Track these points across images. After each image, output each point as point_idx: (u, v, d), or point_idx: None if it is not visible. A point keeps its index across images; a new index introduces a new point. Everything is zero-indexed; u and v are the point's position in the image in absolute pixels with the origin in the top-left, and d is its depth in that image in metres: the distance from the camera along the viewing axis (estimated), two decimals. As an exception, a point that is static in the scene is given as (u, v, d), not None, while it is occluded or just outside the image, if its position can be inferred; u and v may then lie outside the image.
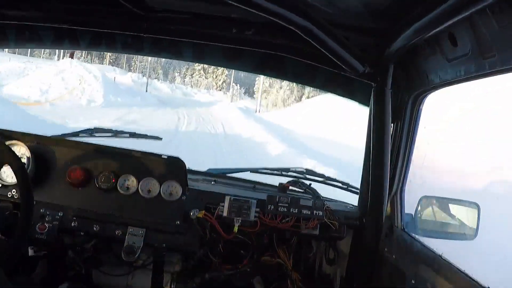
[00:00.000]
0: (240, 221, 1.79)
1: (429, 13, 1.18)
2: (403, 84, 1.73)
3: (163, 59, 62.66)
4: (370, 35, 1.64)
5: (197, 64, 58.12)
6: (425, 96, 1.69)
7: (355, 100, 2.12)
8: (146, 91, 32.46)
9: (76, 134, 2.21)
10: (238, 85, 55.90)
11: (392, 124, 1.75)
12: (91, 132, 2.27)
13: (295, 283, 2.03)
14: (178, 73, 71.49)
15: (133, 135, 2.38)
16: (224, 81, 67.21)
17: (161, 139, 2.45)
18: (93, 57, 56.98)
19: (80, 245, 1.90)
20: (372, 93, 1.73)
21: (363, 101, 2.00)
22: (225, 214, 1.80)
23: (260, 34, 1.73)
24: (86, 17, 1.77)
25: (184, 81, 69.10)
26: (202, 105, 31.25)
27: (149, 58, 56.81)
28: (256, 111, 33.50)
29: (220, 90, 65.01)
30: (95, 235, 1.82)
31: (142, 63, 60.21)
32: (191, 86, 64.97)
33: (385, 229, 1.75)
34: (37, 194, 1.43)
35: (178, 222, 1.77)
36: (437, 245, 1.50)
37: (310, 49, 1.57)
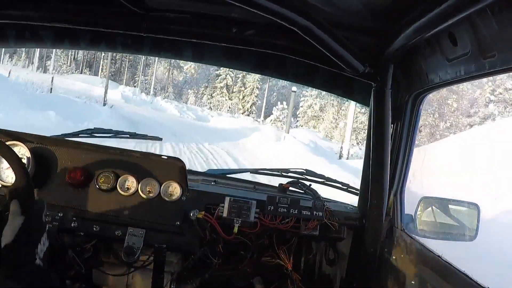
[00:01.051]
0: (240, 221, 1.79)
1: (429, 13, 1.18)
2: (403, 84, 1.73)
3: (177, 77, 53.89)
4: (370, 35, 1.64)
5: (218, 81, 49.40)
6: (425, 96, 1.69)
7: (355, 100, 2.13)
8: (104, 104, 22.32)
9: (76, 134, 2.21)
10: (283, 103, 35.71)
11: (392, 124, 1.75)
12: (91, 132, 2.27)
13: (295, 283, 2.03)
14: (195, 92, 54.56)
15: (133, 135, 2.38)
16: (253, 103, 49.30)
17: (161, 139, 2.45)
18: (84, 68, 50.64)
19: (80, 245, 1.90)
20: (372, 93, 1.73)
21: (363, 101, 2.00)
22: (225, 214, 1.80)
23: (260, 34, 1.73)
24: (86, 17, 1.77)
25: (201, 101, 52.13)
26: (219, 137, 17.28)
27: (155, 73, 51.29)
28: (340, 156, 18.76)
29: (248, 115, 47.16)
30: (95, 235, 1.81)
31: (146, 78, 52.45)
32: (210, 108, 48.45)
33: (385, 230, 1.75)
34: (37, 194, 1.43)
35: (178, 223, 1.77)
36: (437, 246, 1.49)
37: (310, 49, 1.57)
